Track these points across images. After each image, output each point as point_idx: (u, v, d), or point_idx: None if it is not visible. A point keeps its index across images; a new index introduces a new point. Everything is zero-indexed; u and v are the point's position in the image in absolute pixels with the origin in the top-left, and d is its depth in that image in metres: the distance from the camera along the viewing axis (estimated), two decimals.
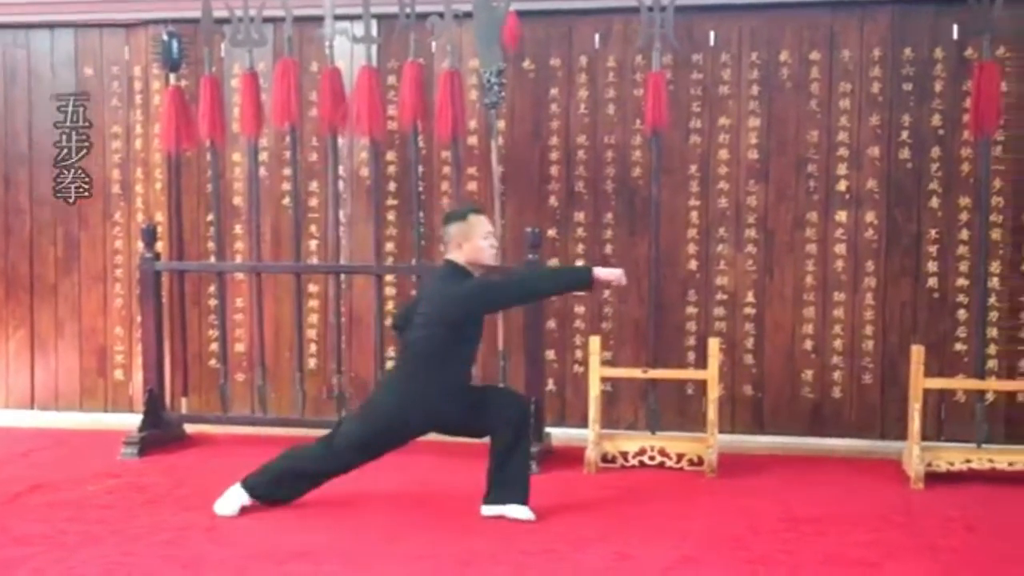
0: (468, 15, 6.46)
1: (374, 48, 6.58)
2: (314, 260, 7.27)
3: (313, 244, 7.31)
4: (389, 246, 7.18)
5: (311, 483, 5.25)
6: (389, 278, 7.13)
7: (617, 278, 5.06)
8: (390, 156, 7.15)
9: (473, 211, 5.23)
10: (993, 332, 6.52)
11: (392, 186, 7.17)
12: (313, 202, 7.29)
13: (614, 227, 6.95)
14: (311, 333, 7.30)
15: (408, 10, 6.42)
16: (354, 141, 7.09)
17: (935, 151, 6.59)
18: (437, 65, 6.88)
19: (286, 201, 7.16)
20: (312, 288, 7.28)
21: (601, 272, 5.04)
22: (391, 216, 7.18)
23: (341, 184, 7.04)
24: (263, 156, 7.22)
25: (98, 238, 7.57)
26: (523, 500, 5.06)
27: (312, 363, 7.30)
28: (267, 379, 6.86)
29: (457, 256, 5.09)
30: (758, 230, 6.81)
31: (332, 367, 6.89)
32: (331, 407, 6.85)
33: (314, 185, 7.28)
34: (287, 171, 7.04)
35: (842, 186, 6.71)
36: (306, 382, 6.90)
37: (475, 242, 5.07)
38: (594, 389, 6.19)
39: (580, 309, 7.01)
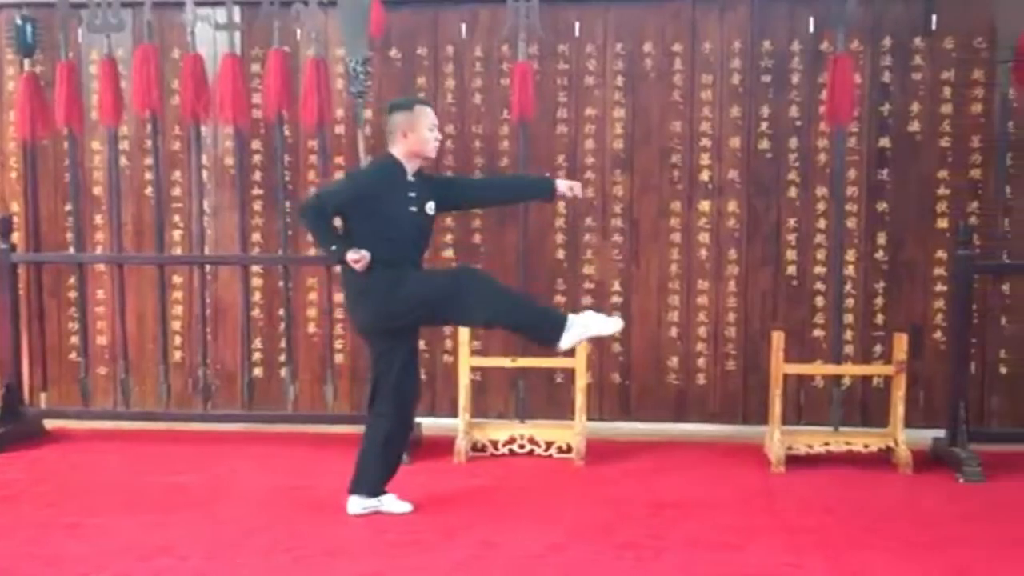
0: (333, 3, 6.40)
1: (237, 35, 6.48)
2: (178, 251, 7.13)
3: (177, 234, 7.17)
4: (255, 236, 7.09)
5: None
6: (255, 268, 7.04)
7: (575, 190, 5.12)
8: (255, 145, 7.05)
9: (419, 101, 5.11)
10: (849, 319, 6.72)
11: (257, 175, 7.08)
12: (176, 191, 7.15)
13: (483, 216, 6.97)
14: (175, 325, 7.17)
15: None
16: (218, 130, 6.98)
17: (793, 142, 6.76)
18: (302, 53, 6.80)
19: (148, 191, 7.03)
20: (176, 279, 7.15)
21: (561, 184, 5.09)
22: (257, 206, 7.09)
23: (205, 173, 6.94)
24: (123, 144, 7.07)
25: None
26: (378, 492, 5.04)
27: (177, 355, 7.17)
28: (130, 372, 6.72)
29: (400, 147, 4.87)
30: (624, 219, 6.90)
31: (197, 359, 6.77)
32: (197, 400, 6.75)
33: (177, 174, 7.14)
34: (149, 160, 6.91)
35: (705, 176, 6.84)
36: (170, 375, 6.77)
37: (421, 132, 4.87)
38: (463, 378, 6.21)
39: None
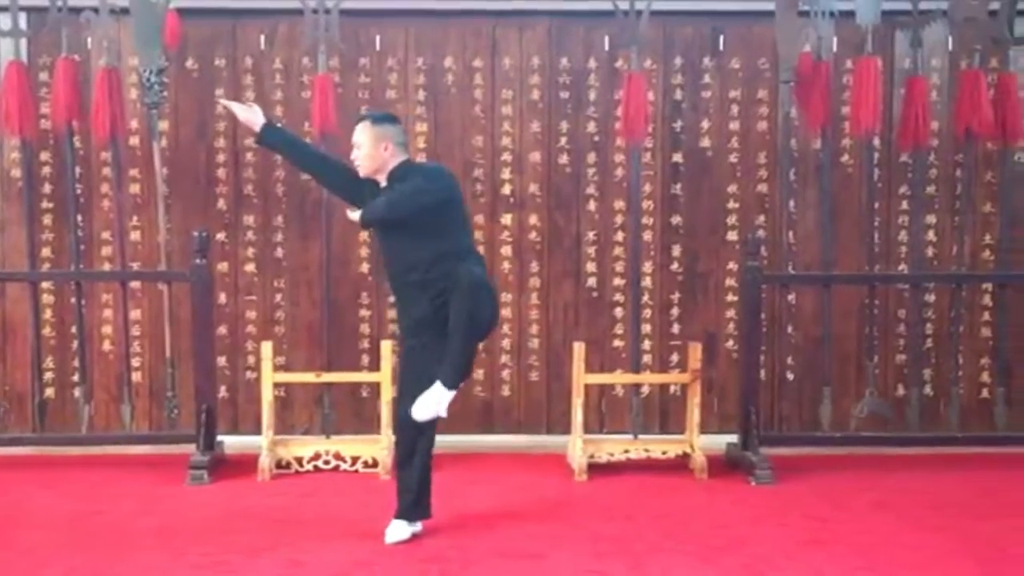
0: (126, 11, 6.24)
1: (23, 42, 6.23)
2: None
3: None
4: (45, 251, 6.81)
5: None
6: (46, 285, 6.76)
7: None
8: (44, 156, 6.78)
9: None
10: (647, 328, 6.92)
11: (47, 188, 6.81)
12: None
13: (285, 230, 6.89)
14: None
15: (60, 3, 6.13)
16: (3, 140, 6.69)
17: (591, 157, 6.93)
18: (94, 62, 6.58)
19: None
20: None
21: None
22: (47, 220, 6.81)
23: None
24: None
25: None
26: None
27: None
28: None
29: None
30: None
31: None
32: None
33: None
34: None
35: (507, 190, 6.94)
36: None
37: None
38: (267, 395, 6.13)
39: (252, 314, 6.90)
